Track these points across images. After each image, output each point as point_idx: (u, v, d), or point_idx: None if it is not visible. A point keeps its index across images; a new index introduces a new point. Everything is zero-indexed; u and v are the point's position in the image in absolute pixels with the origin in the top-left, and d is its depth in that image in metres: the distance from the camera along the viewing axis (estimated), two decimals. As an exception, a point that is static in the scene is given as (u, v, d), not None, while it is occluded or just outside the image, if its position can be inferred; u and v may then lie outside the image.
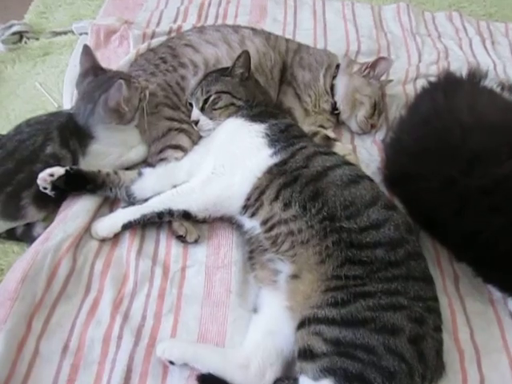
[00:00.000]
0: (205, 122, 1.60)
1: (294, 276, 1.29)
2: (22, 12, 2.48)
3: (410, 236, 1.34)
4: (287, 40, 1.92)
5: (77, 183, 1.50)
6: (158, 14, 2.38)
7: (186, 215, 1.48)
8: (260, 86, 1.70)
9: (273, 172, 1.43)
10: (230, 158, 1.50)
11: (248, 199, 1.44)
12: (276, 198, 1.39)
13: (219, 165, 1.50)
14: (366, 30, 2.37)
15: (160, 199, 1.48)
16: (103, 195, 1.55)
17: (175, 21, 2.33)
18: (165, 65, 1.73)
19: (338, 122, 1.90)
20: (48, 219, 1.53)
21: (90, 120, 1.51)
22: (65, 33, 2.28)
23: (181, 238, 1.50)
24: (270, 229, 1.38)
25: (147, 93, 1.59)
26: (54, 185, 1.46)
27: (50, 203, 1.51)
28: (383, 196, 1.41)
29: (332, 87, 1.84)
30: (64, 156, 1.50)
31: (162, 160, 1.60)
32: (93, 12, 2.45)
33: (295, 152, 1.46)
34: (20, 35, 2.23)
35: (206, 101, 1.61)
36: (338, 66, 1.87)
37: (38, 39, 2.24)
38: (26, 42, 2.22)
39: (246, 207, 1.45)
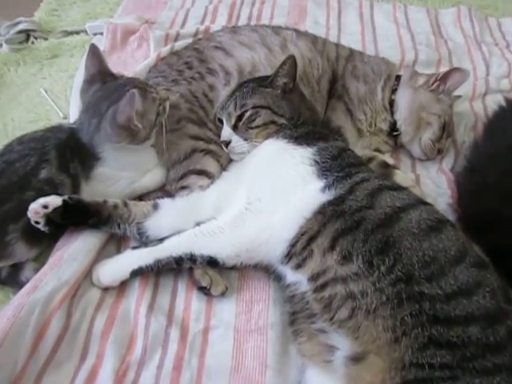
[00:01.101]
0: (238, 143, 1.29)
1: (356, 359, 0.96)
2: (33, 9, 2.22)
3: (510, 307, 0.99)
4: (337, 45, 1.60)
5: (77, 217, 1.20)
6: (184, 13, 2.10)
7: (212, 262, 1.16)
8: (306, 100, 1.39)
9: (326, 212, 1.10)
10: (268, 191, 1.19)
11: (292, 246, 1.12)
12: (331, 247, 1.06)
13: (255, 199, 1.18)
14: (422, 36, 2.05)
15: (179, 240, 1.17)
16: (109, 232, 1.24)
17: (203, 21, 2.05)
18: (190, 71, 1.42)
19: (395, 145, 1.57)
20: (40, 259, 1.23)
21: (95, 138, 1.21)
22: (77, 32, 2.02)
23: (204, 290, 1.18)
24: (322, 287, 1.05)
25: (167, 105, 1.29)
26: (49, 218, 1.16)
27: (43, 240, 1.22)
28: (471, 249, 1.07)
29: (391, 103, 1.51)
30: (62, 182, 1.20)
31: (183, 188, 1.29)
32: (110, 10, 2.18)
33: (354, 186, 1.13)
34: (27, 34, 1.96)
35: (240, 117, 1.30)
36: (398, 78, 1.54)
37: (46, 39, 1.97)
38: (33, 42, 1.95)
39: (289, 256, 1.13)
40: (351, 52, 1.59)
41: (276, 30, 1.54)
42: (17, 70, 1.85)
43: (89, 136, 1.22)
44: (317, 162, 1.20)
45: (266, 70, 1.42)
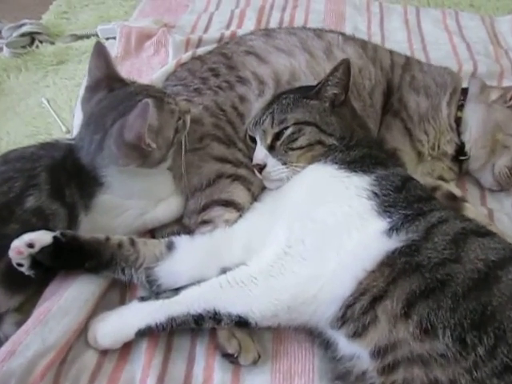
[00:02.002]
0: (275, 167, 1.03)
1: None
2: (42, 12, 2.03)
3: None
4: (391, 52, 1.35)
5: (70, 258, 0.95)
6: (207, 17, 1.88)
7: (242, 323, 0.89)
8: (358, 117, 1.13)
9: (395, 265, 0.83)
10: (315, 231, 0.92)
11: (348, 307, 0.85)
12: (405, 314, 0.79)
13: (297, 240, 0.92)
14: (479, 45, 1.79)
15: (200, 293, 0.91)
16: (110, 277, 0.98)
17: (228, 26, 1.83)
18: (216, 79, 1.18)
19: (459, 171, 1.29)
20: (25, 309, 0.98)
21: (97, 158, 0.97)
22: (87, 36, 1.81)
23: (230, 358, 0.92)
24: (392, 369, 0.78)
25: (188, 119, 1.04)
26: (35, 260, 0.91)
27: (28, 286, 0.97)
28: None
29: (458, 121, 1.24)
30: (55, 213, 0.96)
31: (204, 223, 1.04)
32: (125, 14, 1.98)
33: (430, 229, 0.87)
34: (32, 38, 1.75)
35: (278, 135, 1.05)
36: (464, 92, 1.28)
37: (53, 43, 1.76)
38: (37, 46, 1.73)
39: (343, 319, 0.86)
40: (408, 60, 1.33)
41: (318, 33, 1.29)
42: (17, 76, 1.64)
43: (90, 156, 0.98)
44: (376, 194, 0.94)
45: (307, 80, 1.17)
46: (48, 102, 1.53)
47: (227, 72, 1.19)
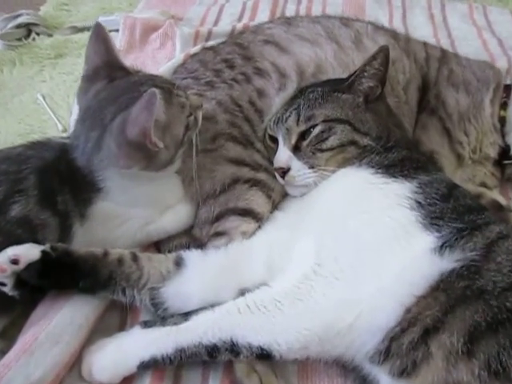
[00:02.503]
0: (300, 171, 0.90)
1: None
2: (41, 4, 1.90)
3: None
4: (425, 43, 1.21)
5: (62, 276, 0.81)
6: (217, 9, 1.75)
7: (264, 355, 0.75)
8: (393, 115, 0.99)
9: (452, 290, 0.70)
10: (350, 246, 0.78)
11: (393, 339, 0.71)
12: (467, 352, 0.65)
13: (328, 258, 0.78)
14: (512, 41, 1.64)
15: (214, 319, 0.76)
16: (109, 298, 0.84)
17: (240, 19, 1.70)
18: (231, 71, 1.04)
19: (502, 177, 1.15)
20: (10, 333, 0.84)
21: (94, 159, 0.83)
22: (88, 29, 1.66)
23: (248, 396, 0.77)
24: (450, 418, 0.64)
25: (200, 115, 0.91)
26: (20, 278, 0.77)
27: (13, 307, 0.83)
28: None
29: (502, 121, 1.10)
30: (44, 223, 0.82)
31: (218, 235, 0.90)
32: (130, 5, 1.85)
33: (490, 247, 0.73)
34: (28, 29, 1.62)
35: (304, 135, 0.91)
36: (507, 88, 1.14)
37: (51, 36, 1.63)
38: (34, 39, 1.60)
39: (387, 353, 0.72)
40: (443, 52, 1.19)
41: (344, 21, 1.15)
42: (11, 70, 1.51)
43: (86, 157, 0.84)
44: (420, 203, 0.80)
45: (334, 72, 1.03)
46: (44, 98, 1.39)
47: (243, 63, 1.05)
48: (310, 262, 0.79)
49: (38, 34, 1.62)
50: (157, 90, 0.72)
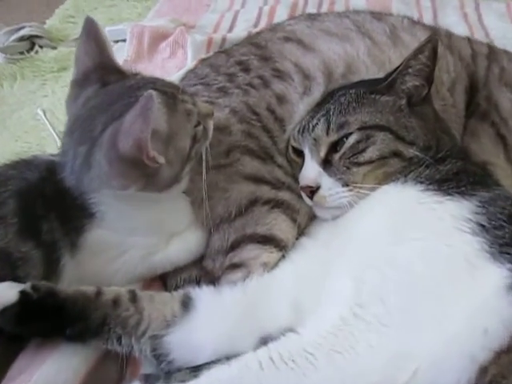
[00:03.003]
0: (332, 190, 0.74)
1: None
2: (47, 17, 1.82)
3: None
4: (469, 39, 1.05)
5: (46, 322, 0.67)
6: (232, 15, 1.63)
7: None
8: (441, 120, 0.83)
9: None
10: (399, 283, 0.62)
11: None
12: None
13: (372, 297, 0.62)
14: (557, 39, 1.48)
15: (230, 376, 0.61)
16: (102, 348, 0.70)
17: (256, 25, 1.57)
18: (246, 75, 0.90)
19: None
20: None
21: (84, 179, 0.69)
22: (94, 40, 1.56)
23: None
24: None
25: (210, 125, 0.76)
26: (-6, 325, 0.64)
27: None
28: None
29: None
30: (25, 256, 0.68)
31: (234, 268, 0.75)
32: (139, 15, 1.74)
33: None
34: (32, 43, 1.53)
35: (335, 146, 0.76)
36: None
37: (55, 48, 1.53)
38: (37, 52, 1.50)
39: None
40: (491, 48, 1.04)
41: (376, 15, 1.00)
42: (12, 85, 1.41)
43: (75, 176, 0.70)
44: (484, 227, 0.65)
45: (368, 72, 0.88)
46: (44, 113, 1.28)
47: (260, 65, 0.91)
48: (349, 302, 0.63)
49: (41, 46, 1.53)
50: (154, 93, 0.58)
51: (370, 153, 0.73)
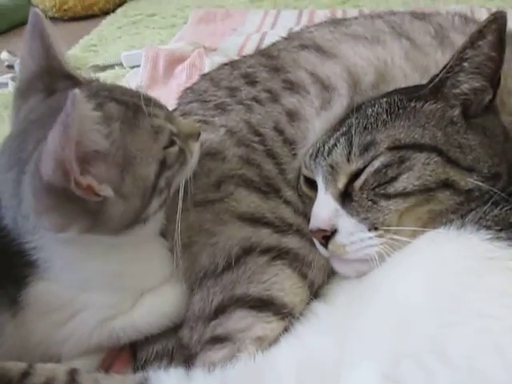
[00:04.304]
0: (354, 236, 0.53)
1: None
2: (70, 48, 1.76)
3: None
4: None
5: None
6: (259, 37, 1.48)
7: None
8: (510, 138, 0.60)
9: None
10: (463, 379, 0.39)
11: None
12: None
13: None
14: None
15: None
16: None
17: (286, 45, 1.39)
18: (251, 88, 0.72)
19: None
20: None
21: (17, 217, 0.52)
22: (112, 66, 1.47)
23: None
24: None
25: (195, 148, 0.58)
26: None
27: None
28: None
29: None
30: None
31: (217, 343, 0.54)
32: (161, 42, 1.63)
33: None
34: (47, 71, 1.44)
35: (358, 174, 0.55)
36: None
37: (70, 76, 1.43)
38: (51, 80, 1.41)
39: None
40: None
41: (418, 15, 0.80)
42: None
43: (11, 213, 0.54)
44: None
45: (406, 80, 0.67)
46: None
47: (269, 77, 0.72)
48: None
49: (56, 74, 1.44)
50: (78, 92, 0.41)
51: (405, 182, 0.51)
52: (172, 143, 0.54)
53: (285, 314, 0.55)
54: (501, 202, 0.48)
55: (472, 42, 0.52)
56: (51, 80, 0.55)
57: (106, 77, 1.43)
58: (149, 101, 0.56)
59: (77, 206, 0.47)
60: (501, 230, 0.46)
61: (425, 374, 0.40)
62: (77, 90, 0.41)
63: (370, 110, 0.57)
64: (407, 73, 0.67)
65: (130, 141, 0.50)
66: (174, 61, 1.33)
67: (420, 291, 0.45)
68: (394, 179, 0.52)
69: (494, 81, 0.55)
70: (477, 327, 0.40)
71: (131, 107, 0.52)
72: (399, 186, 0.52)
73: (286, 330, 0.54)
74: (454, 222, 0.49)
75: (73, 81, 0.55)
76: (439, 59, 0.68)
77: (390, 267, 0.50)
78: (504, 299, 0.41)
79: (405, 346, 0.42)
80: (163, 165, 0.53)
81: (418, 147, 0.52)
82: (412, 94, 0.57)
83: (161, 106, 0.58)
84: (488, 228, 0.46)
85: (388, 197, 0.52)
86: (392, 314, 0.45)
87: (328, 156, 0.58)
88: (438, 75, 0.56)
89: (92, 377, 0.52)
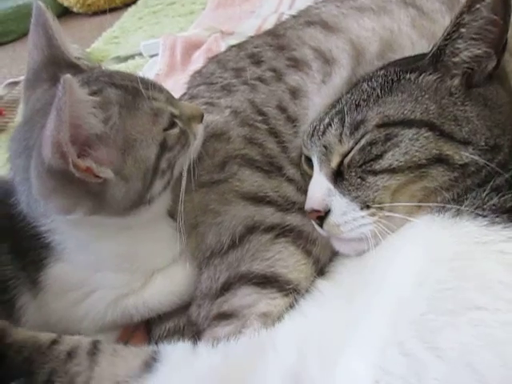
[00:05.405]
0: (347, 215, 0.52)
1: None
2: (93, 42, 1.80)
3: None
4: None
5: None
6: (275, 18, 1.46)
7: None
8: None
9: None
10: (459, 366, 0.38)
11: None
12: None
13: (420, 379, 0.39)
14: None
15: None
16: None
17: (304, 26, 1.37)
18: (256, 68, 0.72)
19: None
20: None
21: (30, 201, 0.55)
22: (132, 56, 1.49)
23: None
24: None
25: (199, 130, 0.59)
26: None
27: None
28: None
29: None
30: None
31: (223, 319, 0.55)
32: (181, 30, 1.64)
33: None
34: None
35: (349, 153, 0.54)
36: None
37: (93, 69, 1.47)
38: (73, 74, 1.45)
39: None
40: None
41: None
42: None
43: (24, 197, 0.57)
44: None
45: (414, 48, 0.65)
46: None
47: (274, 55, 0.72)
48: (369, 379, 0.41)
49: (79, 67, 1.48)
50: (69, 77, 0.42)
51: (390, 158, 0.50)
52: (173, 125, 0.56)
53: (289, 291, 0.55)
54: (501, 189, 0.46)
55: (469, 6, 0.50)
56: (55, 70, 0.57)
57: (126, 67, 1.47)
58: (148, 84, 0.57)
59: (79, 189, 0.49)
60: (497, 216, 0.44)
61: (415, 366, 0.39)
62: (68, 75, 0.42)
63: (366, 84, 0.56)
64: (415, 40, 0.65)
65: (130, 124, 0.51)
66: (191, 47, 1.34)
67: (412, 278, 0.44)
68: (379, 156, 0.51)
69: (499, 47, 0.51)
70: (470, 319, 0.39)
71: (130, 91, 0.53)
72: (385, 163, 0.51)
73: (291, 306, 0.54)
74: (445, 208, 0.47)
75: (76, 70, 0.57)
76: (448, 25, 0.66)
77: (385, 252, 0.49)
78: (500, 291, 0.40)
79: (395, 336, 0.42)
80: (164, 146, 0.55)
81: (408, 123, 0.51)
82: (410, 64, 0.55)
83: (161, 89, 0.59)
84: (485, 216, 0.44)
85: (374, 173, 0.51)
86: (384, 300, 0.45)
87: (322, 136, 0.57)
88: (436, 43, 0.54)
89: (112, 347, 0.55)
